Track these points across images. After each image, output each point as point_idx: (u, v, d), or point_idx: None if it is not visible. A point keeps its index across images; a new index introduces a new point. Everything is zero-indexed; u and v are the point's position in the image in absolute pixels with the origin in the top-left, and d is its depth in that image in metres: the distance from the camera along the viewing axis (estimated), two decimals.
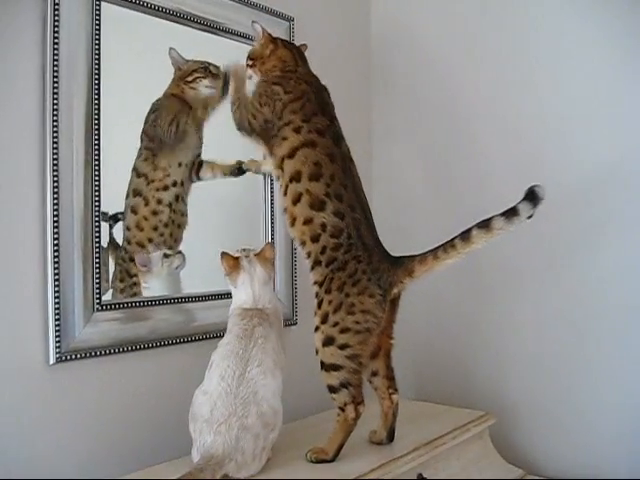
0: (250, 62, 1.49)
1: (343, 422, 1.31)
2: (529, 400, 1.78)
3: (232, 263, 1.34)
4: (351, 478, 1.23)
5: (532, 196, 1.21)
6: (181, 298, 1.52)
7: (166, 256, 1.50)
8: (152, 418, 1.42)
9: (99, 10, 1.33)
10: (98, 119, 1.33)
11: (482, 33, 1.88)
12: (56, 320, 1.26)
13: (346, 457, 1.32)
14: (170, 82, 1.52)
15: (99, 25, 1.34)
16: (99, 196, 1.33)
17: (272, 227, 1.74)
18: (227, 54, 1.59)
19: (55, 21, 1.26)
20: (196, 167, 1.56)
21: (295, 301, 1.80)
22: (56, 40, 1.26)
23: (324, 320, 1.32)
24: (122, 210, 1.43)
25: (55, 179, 1.26)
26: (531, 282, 1.78)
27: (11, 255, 1.22)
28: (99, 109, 1.33)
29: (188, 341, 1.51)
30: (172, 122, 1.50)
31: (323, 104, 1.43)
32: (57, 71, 1.26)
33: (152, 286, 1.47)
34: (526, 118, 1.79)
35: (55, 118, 1.26)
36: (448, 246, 1.28)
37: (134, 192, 1.45)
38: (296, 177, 1.35)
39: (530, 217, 1.22)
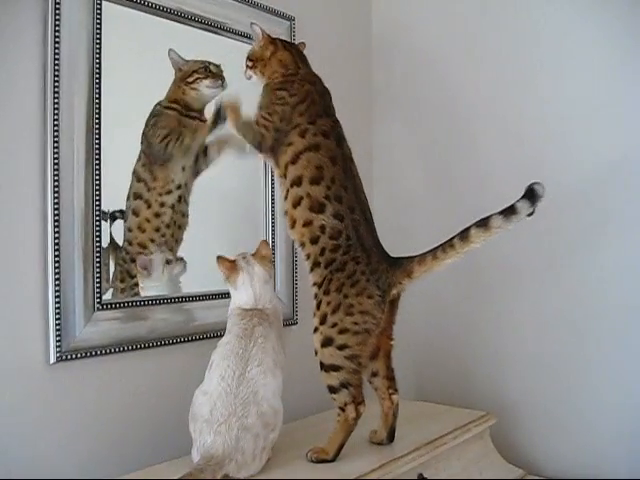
0: (250, 63, 1.49)
1: (344, 422, 1.31)
2: (529, 400, 1.78)
3: (229, 265, 1.33)
4: (351, 478, 1.22)
5: (531, 194, 1.20)
6: (181, 298, 1.52)
7: (168, 262, 1.50)
8: (152, 418, 1.42)
9: (100, 9, 1.33)
10: (99, 118, 1.33)
11: (482, 33, 1.88)
12: (56, 319, 1.26)
13: (346, 457, 1.31)
14: (171, 84, 1.51)
15: (100, 24, 1.33)
16: (100, 195, 1.33)
17: (273, 227, 1.74)
18: (228, 53, 1.59)
19: (56, 20, 1.26)
20: (202, 158, 1.56)
21: (295, 301, 1.80)
22: (57, 39, 1.26)
23: (323, 321, 1.32)
24: (120, 208, 1.42)
25: (56, 178, 1.26)
26: (531, 282, 1.79)
27: (11, 255, 1.22)
28: (100, 108, 1.33)
29: (188, 341, 1.51)
30: (164, 139, 1.49)
31: (326, 105, 1.43)
32: (58, 70, 1.26)
33: (151, 290, 1.47)
34: (526, 118, 1.79)
35: (56, 117, 1.26)
36: (447, 246, 1.28)
37: (134, 195, 1.45)
38: (297, 182, 1.35)
39: (531, 214, 1.21)
